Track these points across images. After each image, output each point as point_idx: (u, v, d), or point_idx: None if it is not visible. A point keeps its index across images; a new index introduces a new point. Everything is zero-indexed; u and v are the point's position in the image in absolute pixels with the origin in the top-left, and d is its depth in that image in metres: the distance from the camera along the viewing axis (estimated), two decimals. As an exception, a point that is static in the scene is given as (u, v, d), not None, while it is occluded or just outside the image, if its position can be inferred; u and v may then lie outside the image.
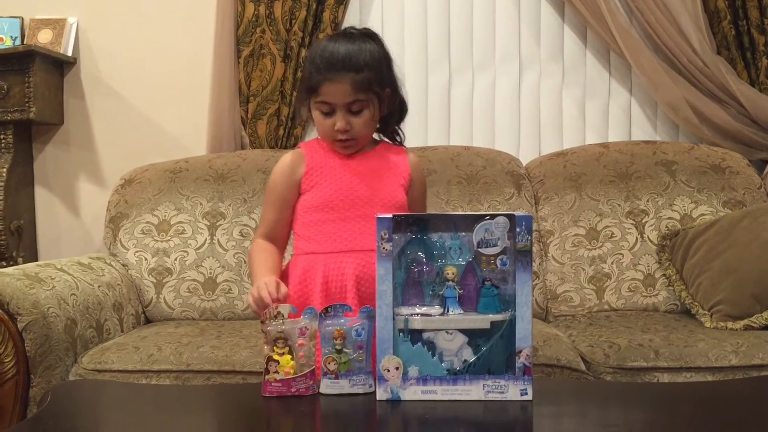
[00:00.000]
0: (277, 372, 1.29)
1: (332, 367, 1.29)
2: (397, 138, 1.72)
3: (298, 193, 1.63)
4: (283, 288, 1.47)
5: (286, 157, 1.67)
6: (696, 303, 2.18)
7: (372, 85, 1.57)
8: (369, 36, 1.63)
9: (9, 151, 2.58)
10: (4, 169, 2.55)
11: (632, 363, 1.85)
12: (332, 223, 1.59)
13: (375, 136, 1.70)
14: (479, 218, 1.28)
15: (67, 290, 1.95)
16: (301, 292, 1.58)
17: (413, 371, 1.26)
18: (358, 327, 1.30)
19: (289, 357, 1.29)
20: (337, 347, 1.29)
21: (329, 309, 1.31)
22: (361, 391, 1.29)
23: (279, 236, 1.67)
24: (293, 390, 1.29)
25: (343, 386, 1.29)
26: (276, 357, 1.29)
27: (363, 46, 1.59)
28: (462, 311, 1.28)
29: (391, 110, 1.66)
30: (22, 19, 2.72)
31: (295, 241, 1.66)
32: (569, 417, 1.27)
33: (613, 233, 2.37)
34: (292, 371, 1.29)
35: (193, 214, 2.40)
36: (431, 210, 2.34)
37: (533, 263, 2.24)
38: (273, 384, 1.29)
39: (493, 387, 1.26)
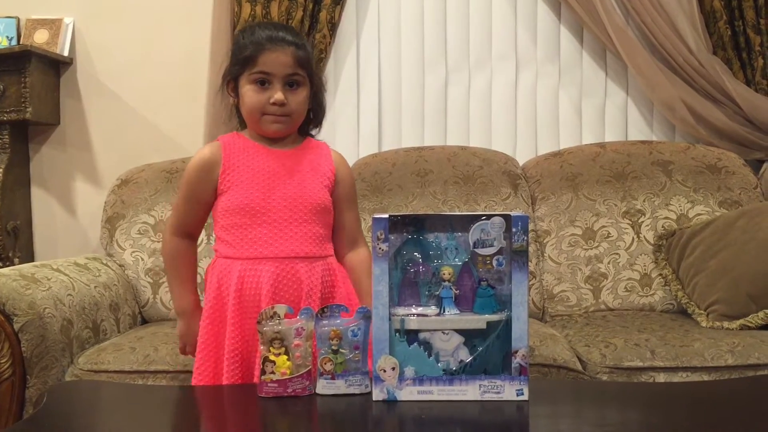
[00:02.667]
0: (273, 372, 1.29)
1: (328, 367, 1.29)
2: (312, 133, 1.68)
3: (215, 192, 1.58)
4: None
5: (204, 152, 1.60)
6: (692, 303, 2.18)
7: (310, 66, 1.56)
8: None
9: (5, 151, 2.58)
10: (1, 170, 2.55)
11: (629, 363, 1.85)
12: (249, 228, 1.53)
13: None
14: (475, 218, 1.28)
15: (64, 291, 1.95)
16: (216, 298, 1.55)
17: (409, 371, 1.26)
18: (354, 327, 1.30)
19: (285, 357, 1.29)
20: (334, 347, 1.29)
21: (325, 309, 1.31)
22: (357, 391, 1.29)
23: (191, 230, 1.64)
24: (289, 390, 1.29)
25: (340, 386, 1.29)
26: (272, 357, 1.29)
27: (301, 36, 1.60)
28: (458, 311, 1.28)
29: (312, 108, 1.63)
30: (18, 19, 2.72)
31: (215, 242, 1.61)
32: (565, 417, 1.27)
33: (609, 233, 2.38)
34: (288, 372, 1.29)
35: (189, 215, 2.40)
36: (428, 210, 2.35)
37: (530, 263, 2.25)
38: (269, 384, 1.29)
39: (490, 387, 1.26)
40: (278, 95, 1.53)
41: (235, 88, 1.60)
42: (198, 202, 1.60)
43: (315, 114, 1.66)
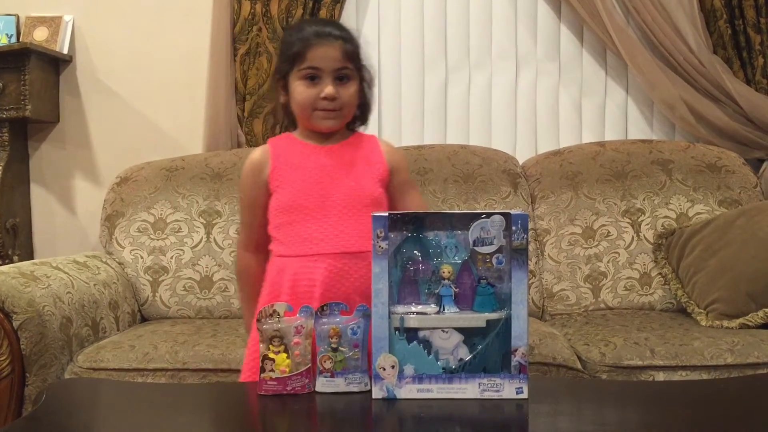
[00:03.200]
0: (272, 370, 1.29)
1: (328, 365, 1.29)
2: (359, 127, 1.66)
3: (268, 193, 1.57)
4: None
5: (253, 156, 1.61)
6: (692, 302, 2.18)
7: (359, 60, 1.55)
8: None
9: (4, 149, 2.58)
10: (0, 167, 2.55)
11: (628, 361, 1.85)
12: (299, 225, 1.52)
13: None
14: (475, 217, 1.28)
15: (63, 288, 1.95)
16: (270, 296, 1.55)
17: (409, 370, 1.26)
18: (353, 325, 1.29)
19: (284, 355, 1.29)
20: (333, 346, 1.29)
21: (325, 307, 1.31)
22: (356, 389, 1.29)
23: (258, 239, 1.61)
24: (289, 388, 1.29)
25: (339, 384, 1.29)
26: (271, 355, 1.29)
27: (350, 31, 1.58)
28: (458, 310, 1.28)
29: (364, 105, 1.61)
30: (18, 16, 2.71)
31: (271, 242, 1.60)
32: (565, 415, 1.27)
33: (609, 232, 2.38)
34: (288, 369, 1.29)
35: (189, 213, 2.40)
36: (428, 209, 2.35)
37: (529, 262, 2.25)
38: (269, 382, 1.29)
39: (489, 385, 1.26)
40: (329, 89, 1.52)
41: (285, 86, 1.59)
42: (257, 207, 1.59)
43: (363, 109, 1.63)
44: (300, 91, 1.54)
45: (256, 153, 1.61)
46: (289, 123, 1.66)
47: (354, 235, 1.52)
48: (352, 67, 1.54)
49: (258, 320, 1.31)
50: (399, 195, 1.60)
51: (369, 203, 1.53)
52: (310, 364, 1.30)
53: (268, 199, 1.57)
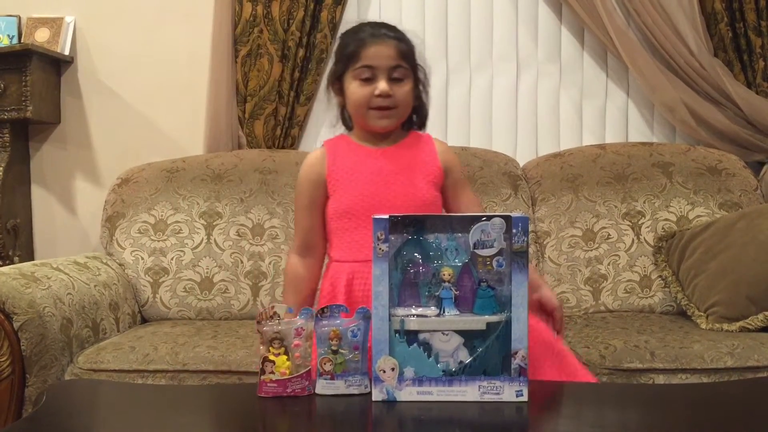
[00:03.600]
0: (272, 372, 1.29)
1: (328, 367, 1.29)
2: (416, 127, 1.66)
3: (326, 195, 1.58)
4: None
5: (310, 158, 1.62)
6: (692, 304, 2.18)
7: (413, 59, 1.54)
8: None
9: (6, 150, 2.58)
10: (1, 168, 2.55)
11: (628, 364, 1.85)
12: (355, 231, 1.54)
13: None
14: (475, 219, 1.28)
15: (63, 290, 1.95)
16: (328, 302, 1.55)
17: (409, 372, 1.26)
18: (353, 328, 1.30)
19: (284, 357, 1.29)
20: (333, 348, 1.29)
21: (325, 310, 1.31)
22: (356, 391, 1.29)
23: (315, 243, 1.61)
24: (289, 390, 1.29)
25: (339, 387, 1.29)
26: (272, 357, 1.29)
27: (404, 33, 1.58)
28: (458, 312, 1.28)
29: (420, 105, 1.61)
30: (19, 17, 2.72)
31: (328, 246, 1.62)
32: (565, 418, 1.27)
33: (609, 234, 2.38)
34: (288, 372, 1.29)
35: (189, 214, 2.40)
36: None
37: (530, 264, 2.25)
38: (269, 384, 1.29)
39: (489, 388, 1.26)
40: (382, 85, 1.52)
41: (340, 87, 1.60)
42: (315, 208, 1.59)
43: (419, 111, 1.63)
44: (354, 90, 1.55)
45: (314, 156, 1.62)
46: (345, 125, 1.67)
47: None
48: (407, 66, 1.54)
49: (258, 322, 1.31)
50: (452, 195, 1.61)
51: (423, 206, 1.54)
52: (310, 367, 1.31)
53: (326, 201, 1.58)
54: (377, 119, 1.55)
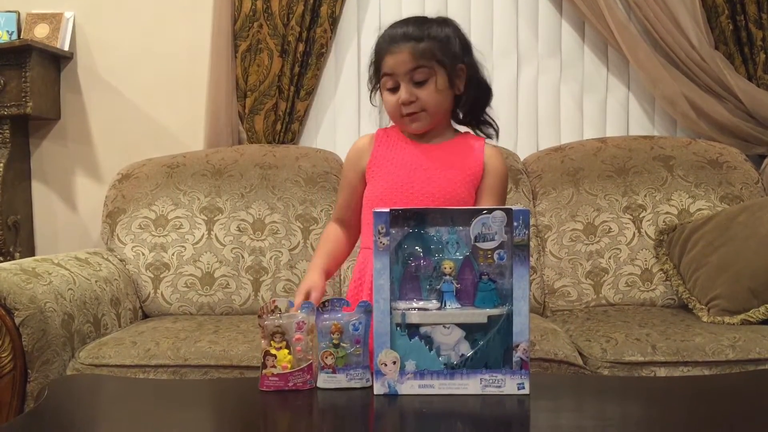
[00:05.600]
0: (274, 366, 1.29)
1: (329, 361, 1.29)
2: (490, 129, 1.63)
3: (364, 181, 1.60)
4: (314, 295, 1.46)
5: (358, 142, 1.65)
6: (693, 298, 2.18)
7: (435, 54, 1.51)
8: (443, 21, 1.59)
9: (6, 146, 2.58)
10: (1, 164, 2.55)
11: (629, 357, 1.85)
12: None
13: (462, 129, 1.63)
14: (476, 212, 1.28)
15: (65, 285, 1.95)
16: (356, 288, 1.57)
17: (410, 365, 1.26)
18: (355, 321, 1.30)
19: (286, 351, 1.29)
20: (335, 341, 1.29)
21: (326, 303, 1.31)
22: (358, 385, 1.29)
23: (349, 221, 1.63)
24: (290, 384, 1.29)
25: (340, 380, 1.29)
26: (273, 351, 1.29)
27: (430, 24, 1.55)
28: (459, 305, 1.28)
29: (471, 92, 1.58)
30: (19, 13, 2.71)
31: (361, 233, 1.63)
32: (566, 411, 1.27)
33: (610, 228, 2.38)
34: (289, 365, 1.29)
35: (190, 209, 2.40)
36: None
37: (531, 258, 2.25)
38: (270, 378, 1.29)
39: (491, 381, 1.26)
40: (402, 95, 1.52)
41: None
42: (354, 191, 1.62)
43: (469, 102, 1.59)
44: (385, 100, 1.57)
45: (362, 140, 1.64)
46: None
47: None
48: (429, 65, 1.51)
49: (259, 316, 1.31)
50: (477, 197, 1.57)
51: (451, 203, 1.52)
52: (311, 360, 1.31)
53: (364, 187, 1.60)
54: (409, 124, 1.56)
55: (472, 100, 1.60)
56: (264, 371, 1.30)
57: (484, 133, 1.64)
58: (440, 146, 1.59)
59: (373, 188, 1.57)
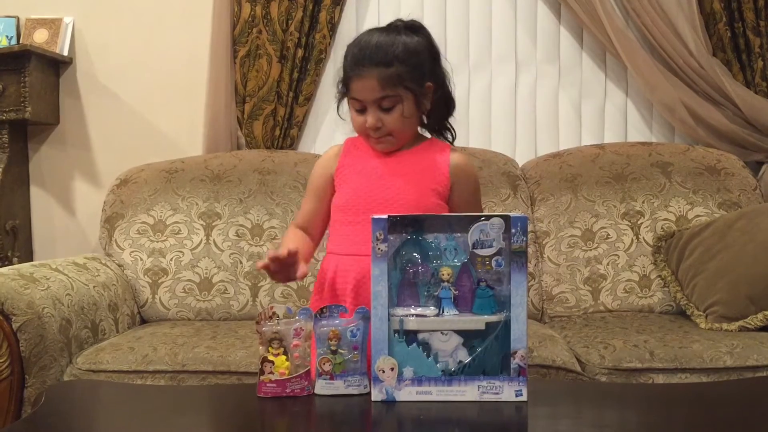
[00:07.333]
0: (272, 373, 1.29)
1: (327, 367, 1.29)
2: (449, 135, 1.64)
3: (333, 189, 1.60)
4: (293, 248, 1.44)
5: (328, 152, 1.66)
6: (691, 304, 2.18)
7: (403, 80, 1.49)
8: (412, 28, 1.56)
9: (4, 150, 2.58)
10: (0, 169, 2.55)
11: (627, 364, 1.85)
12: (348, 225, 1.55)
13: (426, 133, 1.64)
14: (474, 219, 1.28)
15: (62, 290, 1.95)
16: (318, 290, 1.59)
17: (408, 372, 1.26)
18: (353, 328, 1.30)
19: (284, 358, 1.29)
20: (332, 348, 1.29)
21: (324, 310, 1.31)
22: (355, 391, 1.29)
23: (313, 228, 1.64)
24: (288, 391, 1.29)
25: (338, 387, 1.29)
26: (271, 358, 1.29)
27: (398, 39, 1.51)
28: (457, 312, 1.28)
29: (436, 105, 1.58)
30: (18, 18, 2.71)
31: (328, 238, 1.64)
32: (564, 418, 1.27)
33: (608, 234, 2.38)
34: (287, 372, 1.29)
35: (188, 215, 2.40)
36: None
37: (529, 264, 2.25)
38: (268, 385, 1.29)
39: (488, 388, 1.26)
40: (370, 121, 1.51)
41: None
42: (319, 196, 1.62)
43: (446, 110, 1.61)
44: (352, 117, 1.57)
45: (332, 150, 1.65)
46: None
47: None
48: (394, 93, 1.50)
49: (257, 322, 1.31)
50: (453, 209, 1.57)
51: (419, 212, 1.50)
52: (309, 367, 1.31)
53: (331, 196, 1.61)
54: (376, 144, 1.57)
55: (437, 115, 1.62)
56: (262, 377, 1.30)
57: (444, 138, 1.65)
58: (406, 154, 1.58)
59: (339, 197, 1.59)
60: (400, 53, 1.50)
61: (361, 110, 1.53)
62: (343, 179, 1.59)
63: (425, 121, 1.63)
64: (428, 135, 1.66)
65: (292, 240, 1.59)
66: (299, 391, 1.29)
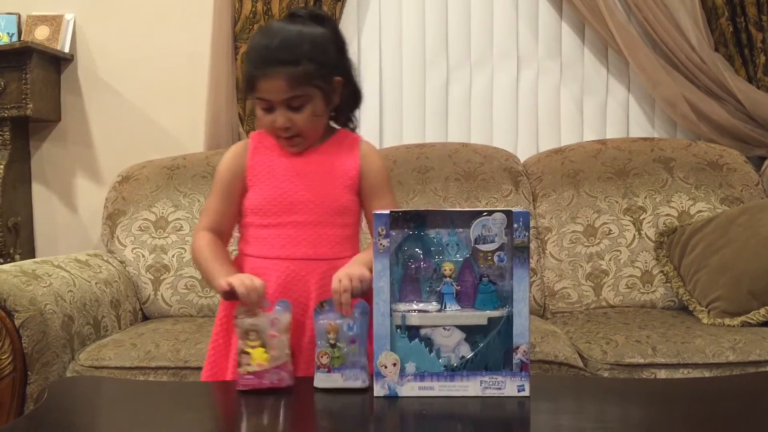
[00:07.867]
0: (249, 364, 1.28)
1: (325, 361, 1.29)
2: (350, 125, 1.60)
3: (244, 188, 1.53)
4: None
5: (233, 149, 1.57)
6: (693, 299, 2.18)
7: (312, 78, 1.44)
8: (316, 19, 1.49)
9: (6, 147, 2.58)
10: (1, 166, 2.55)
11: (629, 359, 1.85)
12: (264, 228, 1.50)
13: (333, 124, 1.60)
14: (477, 214, 1.28)
15: (65, 287, 1.95)
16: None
17: (410, 367, 1.26)
18: (350, 321, 1.30)
19: (261, 350, 1.28)
20: (331, 341, 1.29)
21: (323, 304, 1.31)
22: (354, 385, 1.29)
23: (223, 229, 1.56)
24: (266, 382, 1.28)
25: (336, 380, 1.29)
26: (248, 350, 1.29)
27: (304, 33, 1.45)
28: (459, 307, 1.28)
29: (344, 99, 1.53)
30: (19, 15, 2.71)
31: (239, 238, 1.58)
32: (566, 413, 1.27)
33: (610, 230, 2.37)
34: (266, 363, 1.29)
35: (190, 211, 2.40)
36: (429, 207, 2.35)
37: (531, 260, 2.25)
38: (245, 377, 1.29)
39: (491, 383, 1.26)
40: (279, 121, 1.46)
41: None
42: (228, 196, 1.54)
43: (341, 109, 1.56)
44: (259, 117, 1.51)
45: (238, 146, 1.58)
46: None
47: (314, 242, 1.50)
48: (303, 92, 1.45)
49: (235, 316, 1.31)
50: (366, 200, 1.54)
51: (335, 210, 1.50)
52: (287, 359, 1.30)
53: (244, 193, 1.53)
54: (285, 145, 1.52)
55: (346, 109, 1.57)
56: (239, 369, 1.29)
57: (348, 129, 1.60)
58: (317, 152, 1.54)
59: (251, 199, 1.52)
60: (308, 50, 1.44)
61: (268, 109, 1.47)
62: (255, 180, 1.52)
63: (333, 114, 1.58)
64: (336, 126, 1.60)
65: (225, 261, 1.50)
66: (278, 383, 1.29)
